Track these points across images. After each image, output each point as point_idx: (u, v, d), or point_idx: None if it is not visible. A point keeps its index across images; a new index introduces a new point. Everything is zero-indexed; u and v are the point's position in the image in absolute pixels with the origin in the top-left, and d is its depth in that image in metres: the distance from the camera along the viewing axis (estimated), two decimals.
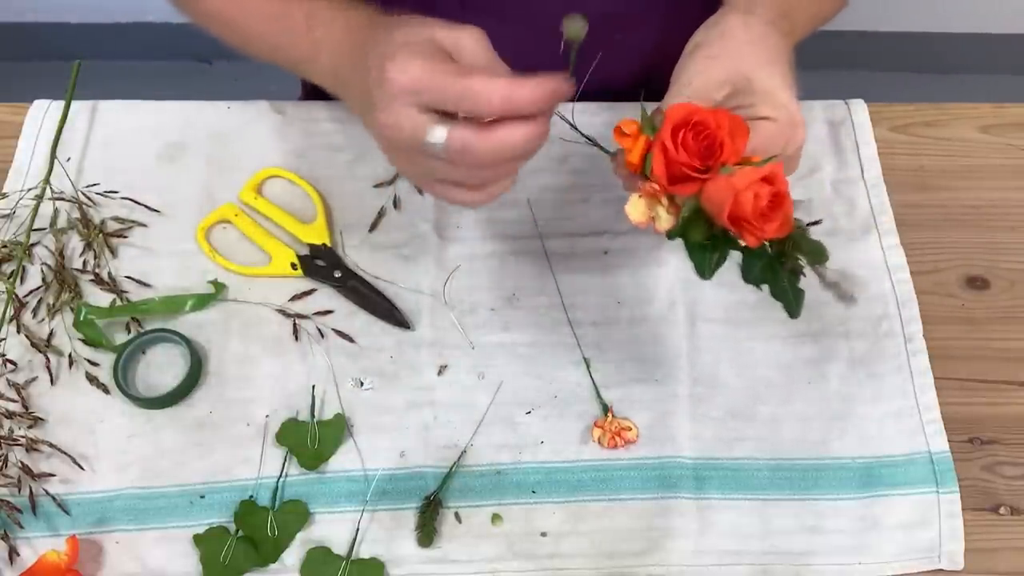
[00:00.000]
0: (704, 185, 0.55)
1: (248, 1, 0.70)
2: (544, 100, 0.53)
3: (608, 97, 0.80)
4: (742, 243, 0.55)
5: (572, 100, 0.60)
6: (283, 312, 0.75)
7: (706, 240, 0.57)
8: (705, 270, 0.58)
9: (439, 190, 0.59)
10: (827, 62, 1.75)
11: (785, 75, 0.61)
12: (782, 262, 0.57)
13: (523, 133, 0.53)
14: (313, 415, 0.70)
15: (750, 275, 0.58)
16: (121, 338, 0.73)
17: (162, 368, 0.72)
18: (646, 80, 0.70)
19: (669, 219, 0.57)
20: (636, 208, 0.57)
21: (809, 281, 0.59)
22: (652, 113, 0.58)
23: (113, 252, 0.77)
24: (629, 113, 0.59)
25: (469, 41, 0.56)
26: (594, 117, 0.80)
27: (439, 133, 0.54)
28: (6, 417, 0.70)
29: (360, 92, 0.60)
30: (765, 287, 0.59)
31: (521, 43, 0.63)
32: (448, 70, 0.54)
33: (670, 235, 0.57)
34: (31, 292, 0.75)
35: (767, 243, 0.56)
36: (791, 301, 0.58)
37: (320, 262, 0.76)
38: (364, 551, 0.66)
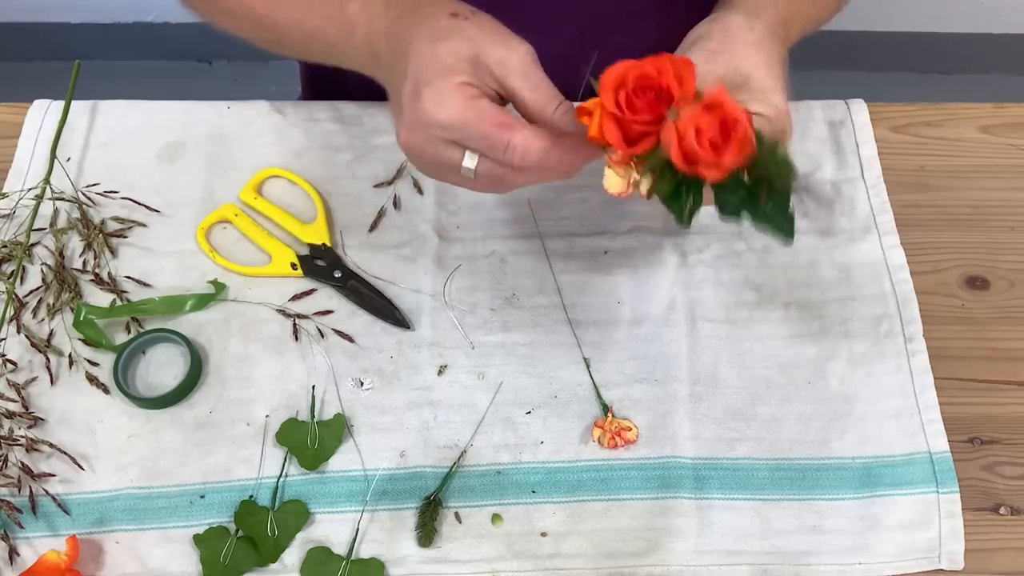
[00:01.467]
0: (660, 136, 0.54)
1: None
2: (578, 162, 0.56)
3: None
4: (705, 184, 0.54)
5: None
6: (283, 312, 0.75)
7: (675, 189, 0.55)
8: (682, 218, 0.55)
9: (457, 184, 0.60)
10: (827, 62, 1.75)
11: (781, 78, 0.62)
12: (758, 188, 0.55)
13: (554, 174, 0.57)
14: (313, 415, 0.70)
15: (727, 209, 0.55)
16: (121, 338, 0.73)
17: (162, 368, 0.72)
18: None
19: (645, 181, 0.55)
20: (611, 180, 0.56)
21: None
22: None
23: (113, 252, 0.77)
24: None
25: (516, 63, 0.56)
26: None
27: (469, 162, 0.56)
28: (6, 417, 0.70)
29: (392, 82, 0.60)
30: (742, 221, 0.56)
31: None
32: (489, 116, 0.55)
33: (650, 195, 0.56)
34: (31, 292, 0.75)
35: (737, 173, 0.54)
36: (781, 226, 0.55)
37: (320, 262, 0.76)
38: (364, 551, 0.66)
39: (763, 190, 0.55)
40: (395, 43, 0.61)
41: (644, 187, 0.56)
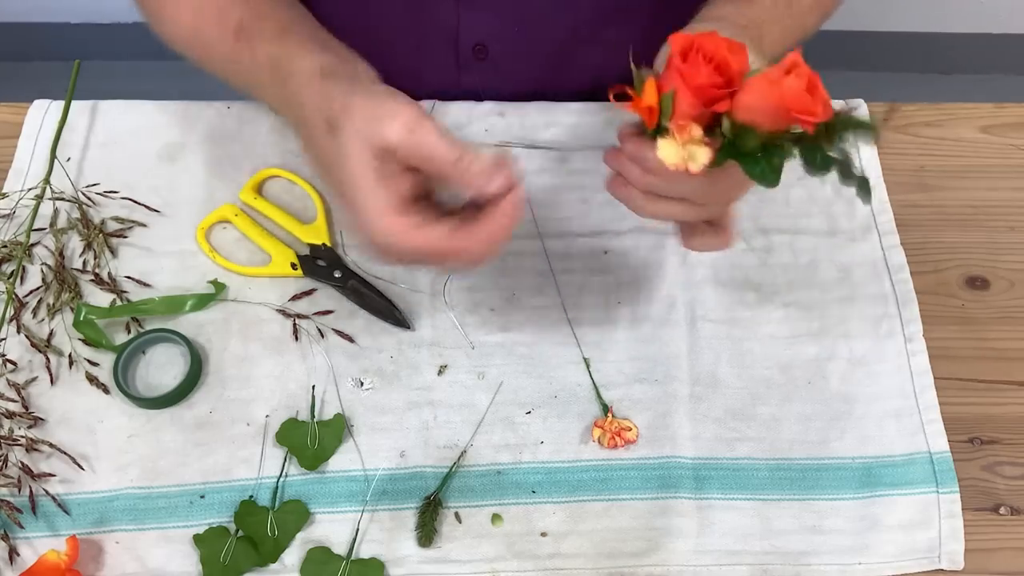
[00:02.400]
0: (736, 97, 0.53)
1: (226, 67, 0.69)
2: (519, 211, 0.56)
3: (602, 94, 0.80)
4: (790, 140, 0.54)
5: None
6: (283, 312, 0.75)
7: (762, 145, 0.54)
8: (772, 176, 0.54)
9: None
10: (827, 62, 1.75)
11: None
12: (835, 145, 0.54)
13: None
14: (313, 415, 0.70)
15: (814, 165, 0.55)
16: (121, 338, 0.73)
17: (162, 368, 0.72)
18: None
19: (706, 151, 0.54)
20: (669, 149, 0.54)
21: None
22: (640, 72, 0.56)
23: (113, 252, 0.77)
24: (629, 114, 0.58)
25: (397, 138, 0.55)
26: (594, 116, 0.81)
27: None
28: (6, 417, 0.70)
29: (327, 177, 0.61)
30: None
31: (515, 40, 0.63)
32: (441, 243, 0.56)
33: (714, 164, 0.54)
34: (31, 292, 0.75)
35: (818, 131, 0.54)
36: (861, 183, 0.55)
37: (320, 262, 0.76)
38: (364, 551, 0.66)
39: (832, 143, 0.54)
40: (314, 132, 0.60)
41: (701, 160, 0.54)
